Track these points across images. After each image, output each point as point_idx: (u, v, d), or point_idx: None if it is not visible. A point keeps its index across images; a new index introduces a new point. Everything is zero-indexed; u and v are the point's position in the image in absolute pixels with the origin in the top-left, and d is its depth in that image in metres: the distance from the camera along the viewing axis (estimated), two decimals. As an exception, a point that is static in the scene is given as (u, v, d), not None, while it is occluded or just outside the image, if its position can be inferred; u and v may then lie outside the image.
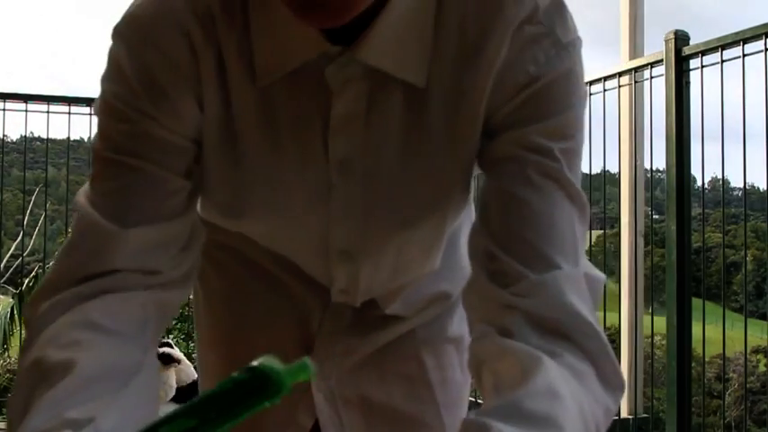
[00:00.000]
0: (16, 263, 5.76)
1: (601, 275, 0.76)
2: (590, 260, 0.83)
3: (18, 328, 5.18)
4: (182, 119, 0.77)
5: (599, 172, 3.63)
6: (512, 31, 0.73)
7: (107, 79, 0.78)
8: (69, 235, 0.78)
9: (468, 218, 1.01)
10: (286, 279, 0.97)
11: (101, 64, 0.79)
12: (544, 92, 0.74)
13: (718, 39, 2.90)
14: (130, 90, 0.75)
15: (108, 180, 0.77)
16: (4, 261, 6.01)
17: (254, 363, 0.47)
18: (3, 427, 3.85)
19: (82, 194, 0.78)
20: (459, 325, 1.03)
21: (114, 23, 0.78)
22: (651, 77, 3.23)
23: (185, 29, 0.75)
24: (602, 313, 3.04)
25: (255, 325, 1.00)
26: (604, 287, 0.77)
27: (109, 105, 0.77)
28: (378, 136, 0.79)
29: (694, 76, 3.02)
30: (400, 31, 0.74)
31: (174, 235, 0.79)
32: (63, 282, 0.74)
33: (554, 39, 0.74)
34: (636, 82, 3.35)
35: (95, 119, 0.80)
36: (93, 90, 0.80)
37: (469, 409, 1.03)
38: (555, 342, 0.67)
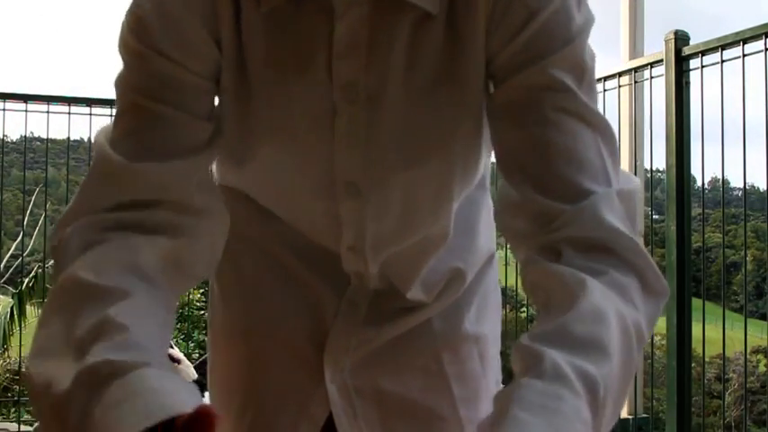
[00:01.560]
0: (16, 263, 5.75)
1: (632, 185, 0.78)
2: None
3: (18, 328, 5.17)
4: (200, 57, 0.79)
5: (599, 172, 3.61)
6: None
7: (127, 17, 0.80)
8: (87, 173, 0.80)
9: (486, 205, 1.01)
10: (301, 271, 0.97)
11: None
12: (544, 28, 0.76)
13: (718, 39, 2.89)
14: (148, 29, 0.77)
15: (128, 121, 0.79)
16: (4, 261, 6.01)
17: None
18: (3, 427, 3.84)
19: (102, 134, 0.80)
20: (477, 322, 1.02)
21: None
22: (651, 77, 3.23)
23: None
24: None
25: (271, 319, 1.00)
26: None
27: (128, 44, 0.79)
28: (382, 61, 0.80)
29: (694, 76, 3.02)
30: None
31: (193, 167, 0.80)
32: (84, 211, 0.76)
33: None
34: (636, 82, 3.35)
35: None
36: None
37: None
38: (599, 259, 0.71)
